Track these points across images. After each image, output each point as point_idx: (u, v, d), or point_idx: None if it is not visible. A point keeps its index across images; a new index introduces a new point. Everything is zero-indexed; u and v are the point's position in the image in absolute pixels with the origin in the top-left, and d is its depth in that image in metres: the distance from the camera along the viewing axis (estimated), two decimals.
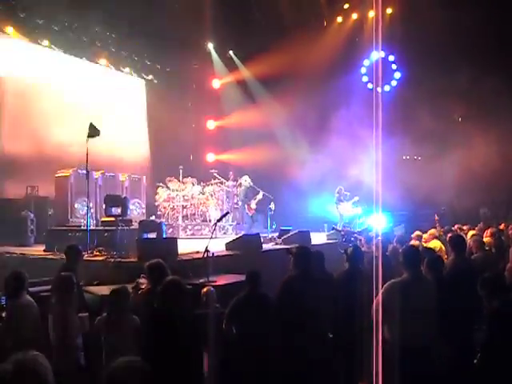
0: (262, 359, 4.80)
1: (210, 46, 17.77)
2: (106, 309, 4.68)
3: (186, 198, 14.50)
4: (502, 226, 10.89)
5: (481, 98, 15.89)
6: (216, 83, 18.38)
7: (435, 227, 11.01)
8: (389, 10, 16.42)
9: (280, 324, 4.95)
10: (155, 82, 17.38)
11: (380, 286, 4.08)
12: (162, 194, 14.65)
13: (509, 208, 15.31)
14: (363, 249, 8.40)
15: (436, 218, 12.38)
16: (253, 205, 13.10)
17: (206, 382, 4.10)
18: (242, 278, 5.51)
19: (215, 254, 7.15)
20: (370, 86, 17.15)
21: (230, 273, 7.44)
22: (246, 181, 13.84)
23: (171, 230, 13.76)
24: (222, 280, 6.86)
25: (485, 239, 7.83)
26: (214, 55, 17.98)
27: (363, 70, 17.85)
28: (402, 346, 4.03)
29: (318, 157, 16.11)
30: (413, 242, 8.03)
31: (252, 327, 4.96)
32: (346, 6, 17.60)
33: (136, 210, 13.84)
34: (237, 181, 14.78)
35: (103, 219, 10.79)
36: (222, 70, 18.20)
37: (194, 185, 14.70)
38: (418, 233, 8.92)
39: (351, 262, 5.47)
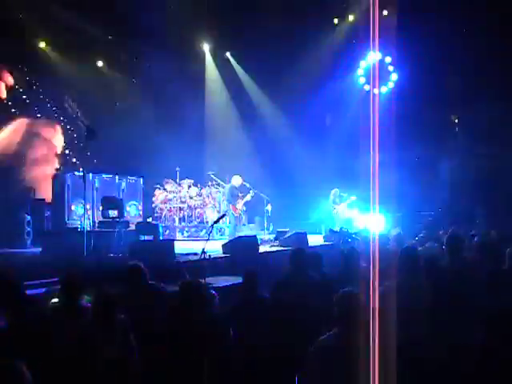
0: (260, 360, 4.82)
1: (207, 47, 17.75)
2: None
3: (183, 199, 14.49)
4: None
5: (477, 100, 15.93)
6: (213, 84, 18.33)
7: (429, 228, 11.05)
8: (385, 12, 16.41)
9: (273, 324, 4.99)
10: (151, 83, 17.32)
11: (377, 287, 4.09)
12: (159, 195, 14.62)
13: (507, 209, 15.32)
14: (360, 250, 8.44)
15: (430, 219, 12.41)
16: (239, 205, 12.96)
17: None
18: (240, 279, 5.52)
19: (212, 256, 7.16)
20: (366, 87, 17.12)
21: (227, 274, 7.45)
22: (234, 180, 13.31)
23: (168, 231, 13.76)
24: (220, 282, 6.87)
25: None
26: (211, 57, 17.95)
27: (360, 72, 17.85)
28: (397, 346, 4.03)
29: (316, 158, 16.13)
30: (410, 244, 8.02)
31: (251, 330, 4.97)
32: (343, 7, 17.58)
33: (133, 212, 13.83)
34: None
35: (100, 221, 10.79)
36: (218, 71, 18.16)
37: (191, 186, 14.69)
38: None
39: (347, 262, 5.48)
